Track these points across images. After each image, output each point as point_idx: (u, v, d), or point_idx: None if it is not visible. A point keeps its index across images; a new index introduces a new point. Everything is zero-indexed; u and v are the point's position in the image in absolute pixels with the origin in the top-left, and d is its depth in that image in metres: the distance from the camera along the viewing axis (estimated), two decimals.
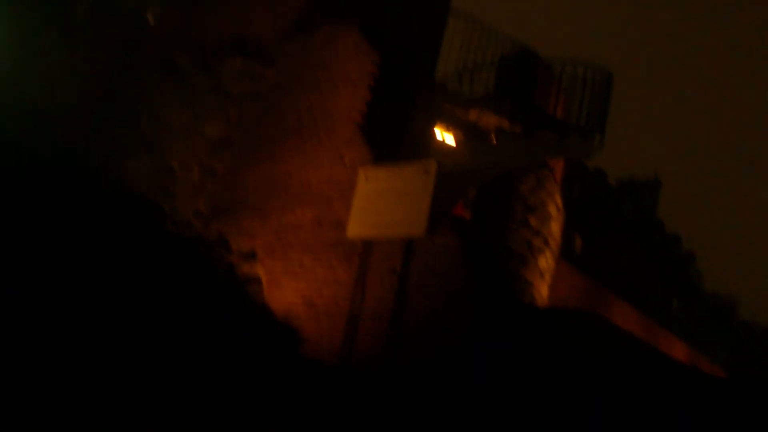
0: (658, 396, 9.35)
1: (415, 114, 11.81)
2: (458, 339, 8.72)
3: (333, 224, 10.41)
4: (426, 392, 8.53)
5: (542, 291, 15.32)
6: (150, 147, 13.25)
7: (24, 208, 9.32)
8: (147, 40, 14.30)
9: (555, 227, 15.85)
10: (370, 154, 10.47)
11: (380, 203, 9.43)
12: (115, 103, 13.67)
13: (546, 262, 15.40)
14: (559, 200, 15.98)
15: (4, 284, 7.99)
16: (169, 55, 13.79)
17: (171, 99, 13.42)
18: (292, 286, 10.52)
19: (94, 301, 8.37)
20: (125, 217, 10.85)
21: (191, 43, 13.72)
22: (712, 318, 38.99)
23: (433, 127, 12.30)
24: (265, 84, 13.01)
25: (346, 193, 10.32)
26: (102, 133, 13.40)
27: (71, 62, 13.52)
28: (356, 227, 9.63)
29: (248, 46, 13.32)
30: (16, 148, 10.97)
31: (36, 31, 13.63)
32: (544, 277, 15.39)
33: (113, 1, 14.68)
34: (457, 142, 11.59)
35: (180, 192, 12.87)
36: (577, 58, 11.60)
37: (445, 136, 12.24)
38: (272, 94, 12.81)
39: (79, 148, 12.70)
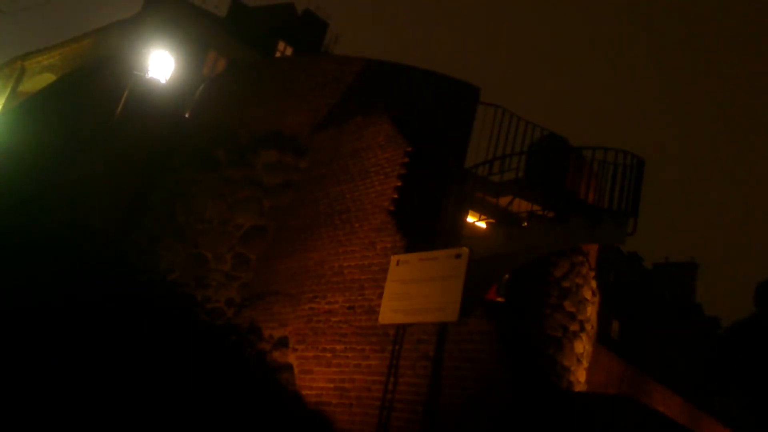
0: None
1: (447, 201, 11.91)
2: (494, 427, 8.55)
3: (365, 310, 10.42)
4: None
5: (580, 376, 15.08)
6: (184, 237, 13.48)
7: (60, 298, 9.49)
8: (183, 134, 14.74)
9: (591, 312, 15.69)
10: (402, 241, 10.55)
11: (412, 289, 9.43)
12: (150, 195, 14.02)
13: (583, 346, 15.20)
14: (594, 284, 15.86)
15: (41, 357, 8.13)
16: (204, 148, 14.17)
17: (205, 190, 13.73)
18: (323, 372, 10.47)
19: (126, 386, 8.43)
20: (158, 306, 10.96)
21: (226, 137, 14.09)
22: None
23: (465, 213, 12.36)
24: (298, 174, 13.25)
25: (378, 279, 10.37)
26: (137, 223, 13.69)
27: (109, 157, 13.97)
28: (388, 313, 9.62)
29: (282, 138, 13.64)
30: (53, 238, 11.25)
31: (76, 130, 14.17)
32: (581, 362, 15.16)
33: (150, 98, 15.23)
34: (488, 227, 11.61)
35: (213, 280, 13.02)
36: (609, 144, 11.65)
37: (476, 222, 12.29)
38: (305, 184, 13.04)
39: (115, 238, 12.98)
